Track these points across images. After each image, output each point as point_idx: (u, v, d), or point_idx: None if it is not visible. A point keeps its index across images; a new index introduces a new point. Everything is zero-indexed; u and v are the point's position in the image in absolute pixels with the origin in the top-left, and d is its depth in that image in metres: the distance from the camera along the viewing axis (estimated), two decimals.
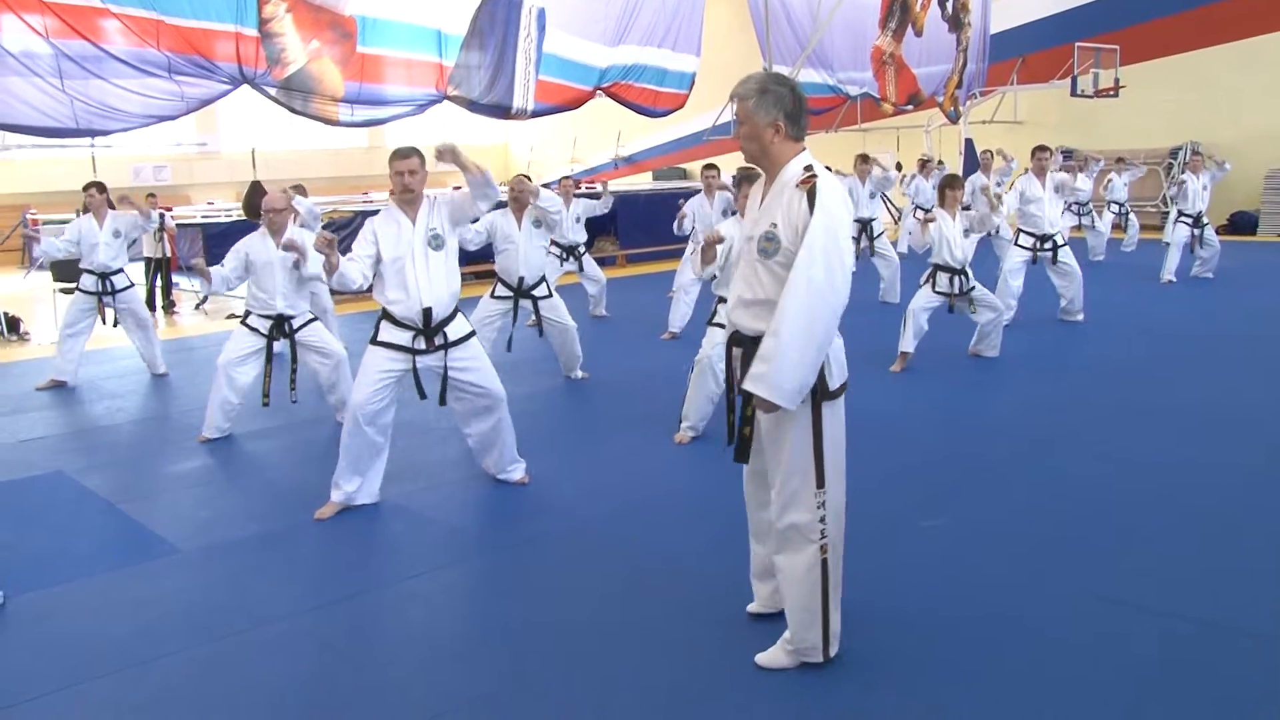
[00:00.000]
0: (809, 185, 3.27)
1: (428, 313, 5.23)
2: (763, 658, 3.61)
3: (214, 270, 6.70)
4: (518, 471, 5.76)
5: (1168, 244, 12.97)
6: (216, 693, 3.60)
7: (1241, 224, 18.36)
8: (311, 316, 7.05)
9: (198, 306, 14.03)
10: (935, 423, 6.80)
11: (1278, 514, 4.92)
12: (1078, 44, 18.17)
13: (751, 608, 3.97)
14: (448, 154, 4.96)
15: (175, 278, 14.85)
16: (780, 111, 3.35)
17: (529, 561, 4.74)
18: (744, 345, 3.43)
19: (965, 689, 3.41)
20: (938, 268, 8.32)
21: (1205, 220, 12.76)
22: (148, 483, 6.19)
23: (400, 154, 5.19)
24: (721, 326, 6.44)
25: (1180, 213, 12.85)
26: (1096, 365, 8.40)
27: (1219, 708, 3.26)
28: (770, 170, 3.45)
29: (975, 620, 3.91)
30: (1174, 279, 12.64)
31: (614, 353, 9.56)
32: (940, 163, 16.81)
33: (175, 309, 14.01)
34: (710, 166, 10.14)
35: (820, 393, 3.33)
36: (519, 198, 7.86)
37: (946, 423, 6.71)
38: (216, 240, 18.38)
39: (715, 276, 6.19)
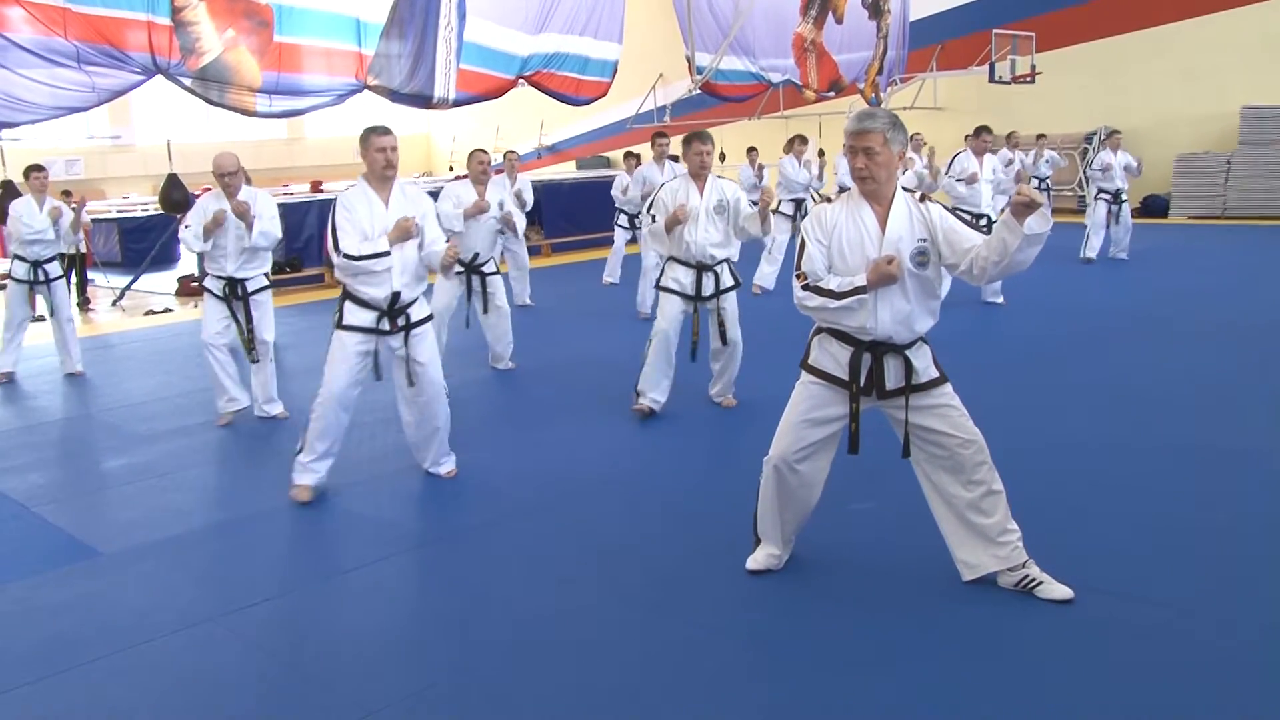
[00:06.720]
0: (925, 199, 3.79)
1: (395, 296, 5.18)
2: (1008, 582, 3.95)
3: (185, 232, 6.79)
4: (448, 464, 5.72)
5: (1088, 223, 13.26)
6: (140, 699, 3.50)
7: (1154, 207, 18.79)
8: (265, 283, 7.00)
9: (114, 303, 13.67)
10: None
11: (1193, 486, 5.06)
12: (995, 31, 18.46)
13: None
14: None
15: (90, 274, 14.45)
16: (902, 145, 3.74)
17: (463, 553, 4.69)
18: (890, 353, 3.79)
19: (906, 664, 3.46)
20: None
21: (1124, 198, 13.07)
22: (67, 484, 6.01)
23: (381, 130, 5.15)
24: (673, 291, 6.42)
25: (1100, 189, 13.14)
26: (1019, 345, 8.56)
27: (1135, 674, 3.34)
28: (884, 193, 3.74)
29: (908, 596, 3.96)
30: (1093, 257, 12.94)
31: (540, 341, 9.50)
32: None
33: (91, 306, 13.63)
34: (661, 134, 10.13)
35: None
36: (487, 173, 8.07)
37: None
38: (133, 235, 18.01)
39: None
